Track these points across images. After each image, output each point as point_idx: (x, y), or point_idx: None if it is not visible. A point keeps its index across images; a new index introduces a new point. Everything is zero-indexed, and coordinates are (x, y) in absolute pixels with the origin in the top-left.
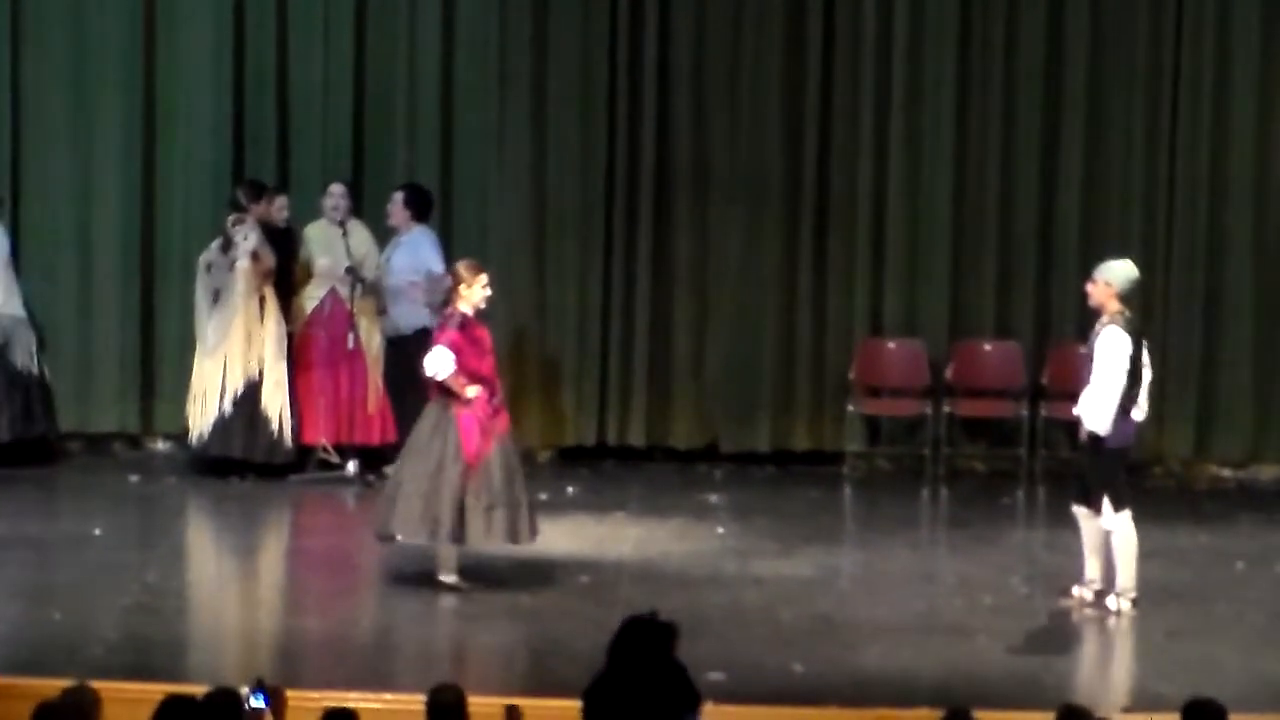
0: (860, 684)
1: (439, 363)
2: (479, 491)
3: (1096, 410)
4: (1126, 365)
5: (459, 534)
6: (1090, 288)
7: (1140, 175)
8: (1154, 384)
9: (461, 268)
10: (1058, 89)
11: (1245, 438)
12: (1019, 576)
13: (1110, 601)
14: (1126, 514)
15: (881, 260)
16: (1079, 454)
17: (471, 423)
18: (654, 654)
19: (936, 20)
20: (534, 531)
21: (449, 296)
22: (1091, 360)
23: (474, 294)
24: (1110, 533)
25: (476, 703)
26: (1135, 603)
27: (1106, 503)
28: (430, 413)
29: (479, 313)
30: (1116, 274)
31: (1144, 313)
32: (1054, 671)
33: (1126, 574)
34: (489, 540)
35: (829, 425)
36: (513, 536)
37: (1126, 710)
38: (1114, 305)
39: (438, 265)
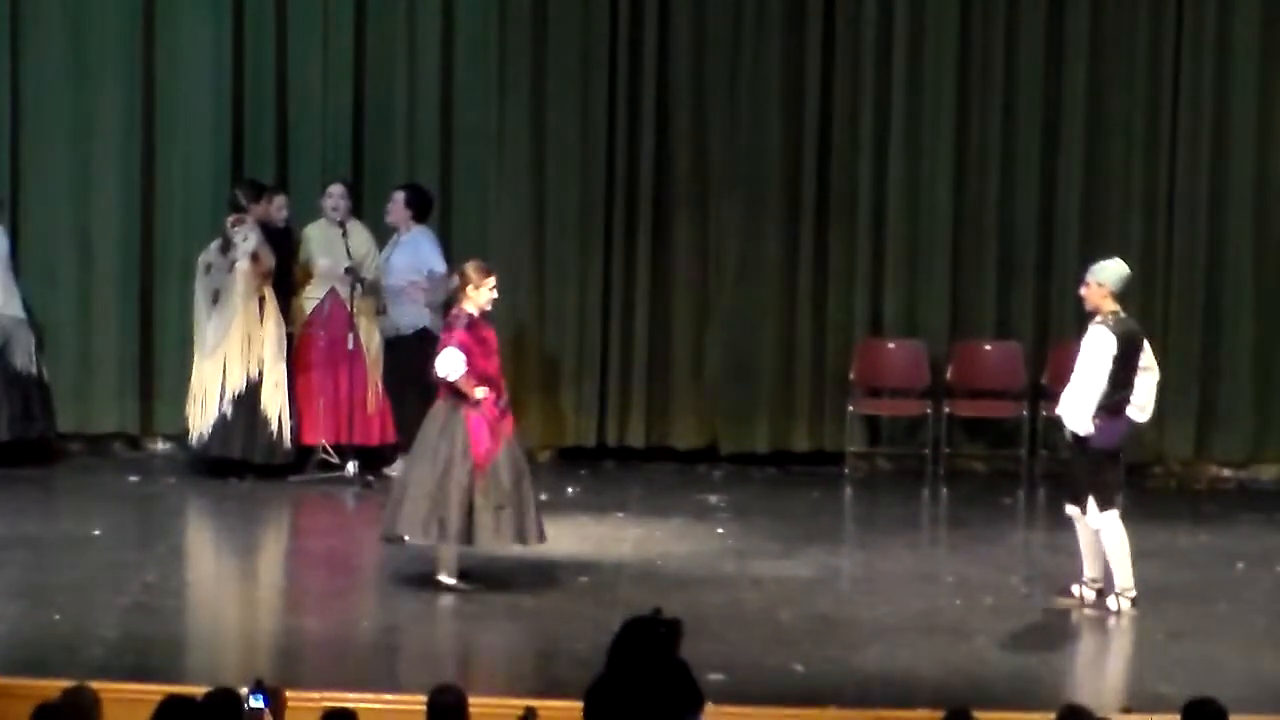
0: (860, 684)
1: (450, 364)
2: (487, 491)
3: (1075, 410)
4: (1108, 366)
5: (467, 535)
6: (1084, 290)
7: (1140, 175)
8: (1159, 385)
9: (470, 269)
10: (1058, 89)
11: (1245, 438)
12: (1019, 576)
13: (1110, 602)
14: (1113, 513)
15: (881, 260)
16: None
17: (480, 424)
18: (655, 654)
19: (936, 20)
20: (541, 534)
21: (454, 297)
22: None
23: (481, 295)
24: (1099, 532)
25: (477, 704)
26: (1135, 602)
27: (1092, 502)
28: (437, 414)
29: (483, 314)
30: (1109, 274)
31: (1143, 313)
32: (1054, 671)
33: (1123, 573)
34: (497, 541)
35: (829, 426)
36: (521, 537)
37: (1126, 710)
38: (1108, 305)
39: (439, 265)
